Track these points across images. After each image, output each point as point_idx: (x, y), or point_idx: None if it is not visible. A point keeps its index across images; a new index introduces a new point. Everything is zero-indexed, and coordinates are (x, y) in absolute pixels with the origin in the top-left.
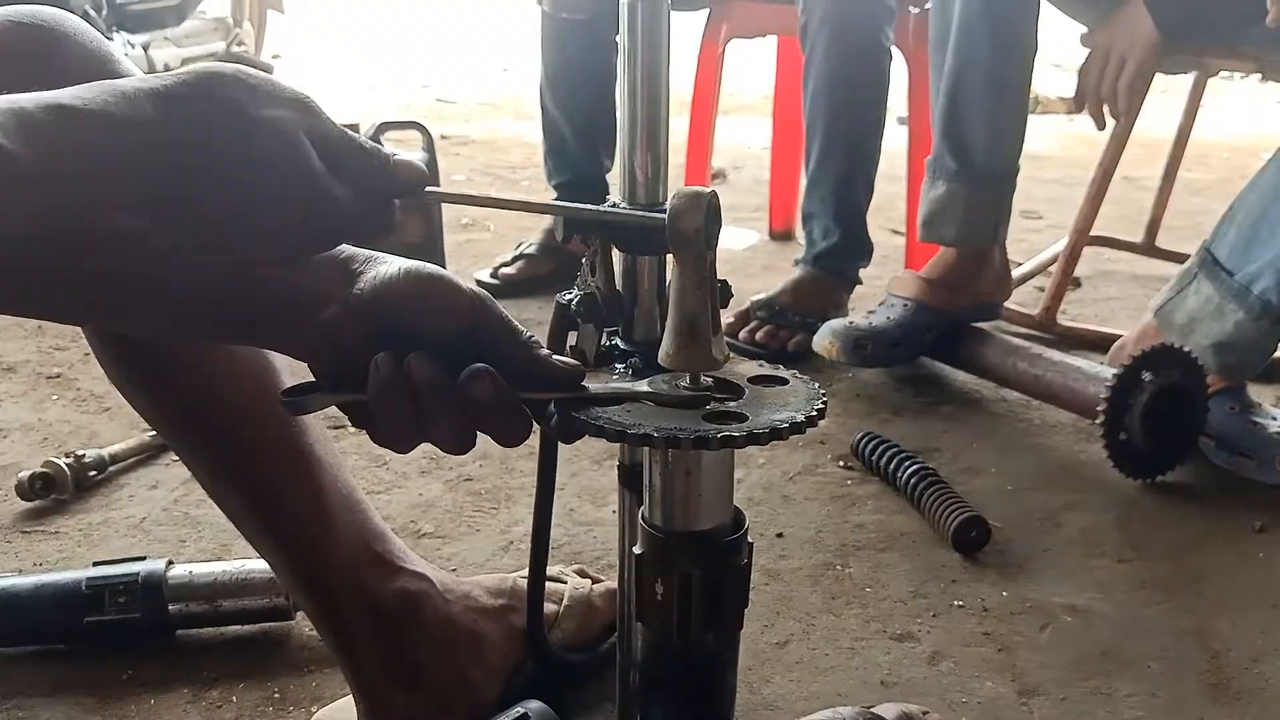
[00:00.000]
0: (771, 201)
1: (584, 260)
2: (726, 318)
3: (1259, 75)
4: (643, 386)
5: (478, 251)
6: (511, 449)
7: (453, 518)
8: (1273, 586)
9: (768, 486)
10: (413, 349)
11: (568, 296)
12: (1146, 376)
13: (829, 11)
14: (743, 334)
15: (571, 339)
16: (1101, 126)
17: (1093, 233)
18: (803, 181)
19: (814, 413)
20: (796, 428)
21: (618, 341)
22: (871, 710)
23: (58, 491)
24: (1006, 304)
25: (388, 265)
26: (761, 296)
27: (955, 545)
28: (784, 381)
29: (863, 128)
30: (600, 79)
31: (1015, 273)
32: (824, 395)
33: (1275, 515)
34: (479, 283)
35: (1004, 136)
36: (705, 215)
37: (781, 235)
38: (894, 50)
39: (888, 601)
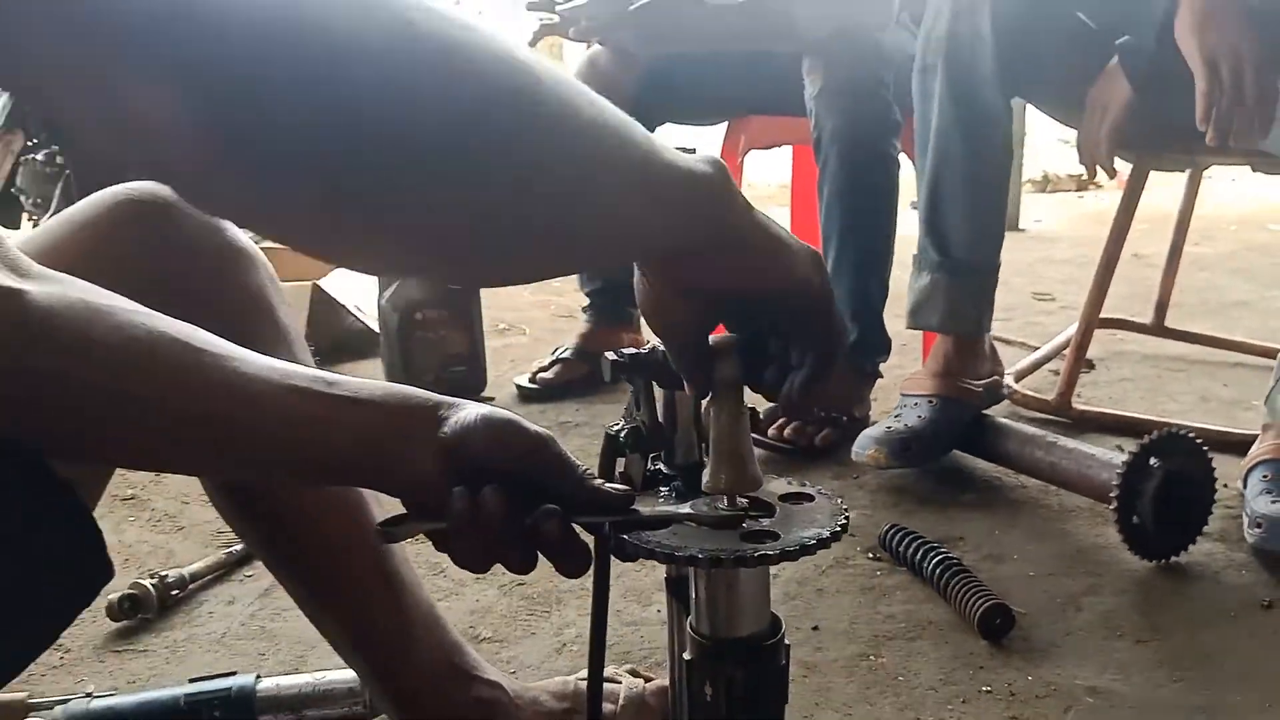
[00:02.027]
0: None
1: (630, 395)
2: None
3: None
4: (685, 509)
5: (515, 355)
6: None
7: (508, 622)
8: (1278, 660)
9: (802, 581)
10: (487, 483)
11: (615, 428)
12: (1154, 463)
13: (840, 127)
14: (771, 431)
15: (620, 466)
16: (1093, 175)
17: (1104, 314)
18: None
19: (839, 528)
20: (824, 543)
21: (661, 467)
22: None
23: (144, 611)
24: (1024, 390)
25: (467, 411)
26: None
27: (981, 632)
28: (811, 498)
29: (875, 233)
30: None
31: (1030, 358)
32: (847, 510)
33: None
34: (518, 387)
35: (982, 231)
36: (739, 365)
37: None
38: (902, 156)
39: (919, 690)
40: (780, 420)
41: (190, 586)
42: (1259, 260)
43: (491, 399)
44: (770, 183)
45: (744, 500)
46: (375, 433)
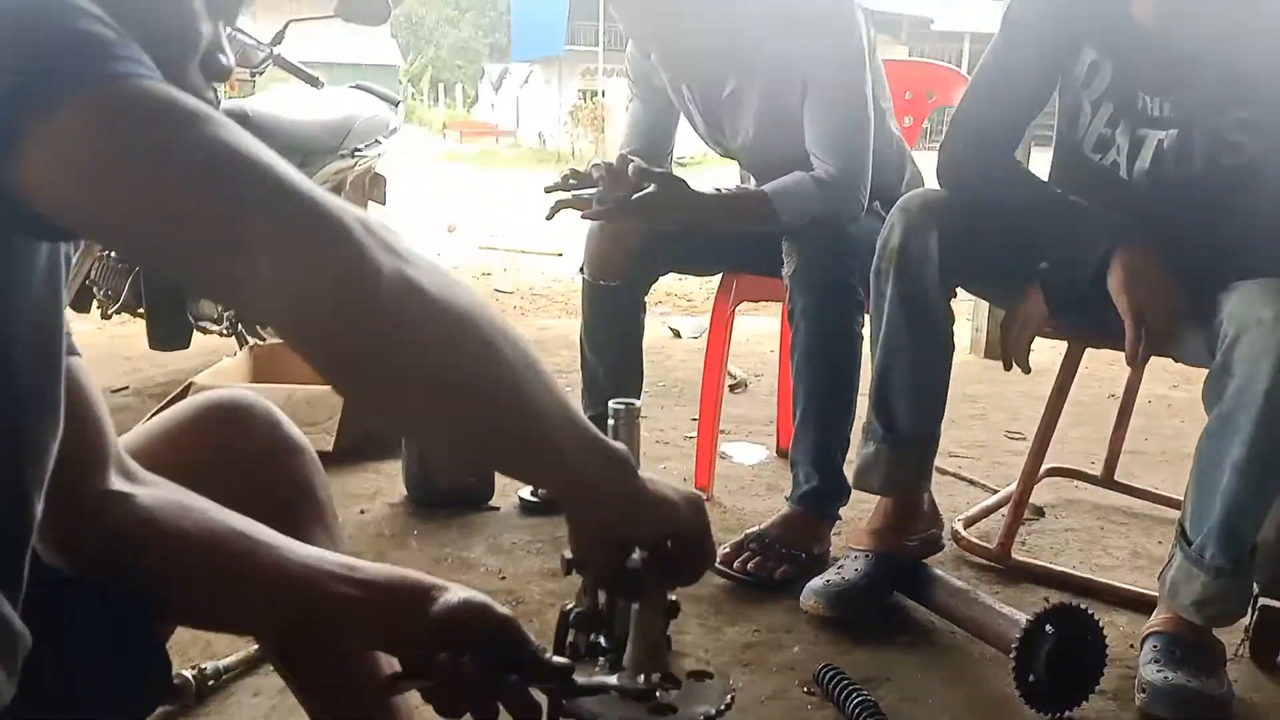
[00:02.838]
0: (780, 419)
1: (580, 585)
2: (723, 548)
3: None
4: (613, 680)
5: None
6: None
7: None
8: None
9: (742, 709)
10: (465, 650)
11: (568, 607)
12: (1050, 629)
13: (809, 305)
14: (736, 563)
15: (570, 636)
16: (1008, 368)
17: (1066, 457)
18: None
19: (724, 707)
20: None
21: (601, 640)
22: None
23: (185, 699)
24: (971, 535)
25: (452, 594)
26: (754, 530)
27: None
28: (711, 676)
29: (837, 398)
30: (630, 334)
31: (981, 504)
32: (735, 690)
33: None
34: (521, 500)
35: (923, 413)
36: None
37: (786, 454)
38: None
39: None
40: (745, 554)
41: (223, 677)
42: None
43: (497, 509)
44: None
45: (657, 675)
46: (383, 609)
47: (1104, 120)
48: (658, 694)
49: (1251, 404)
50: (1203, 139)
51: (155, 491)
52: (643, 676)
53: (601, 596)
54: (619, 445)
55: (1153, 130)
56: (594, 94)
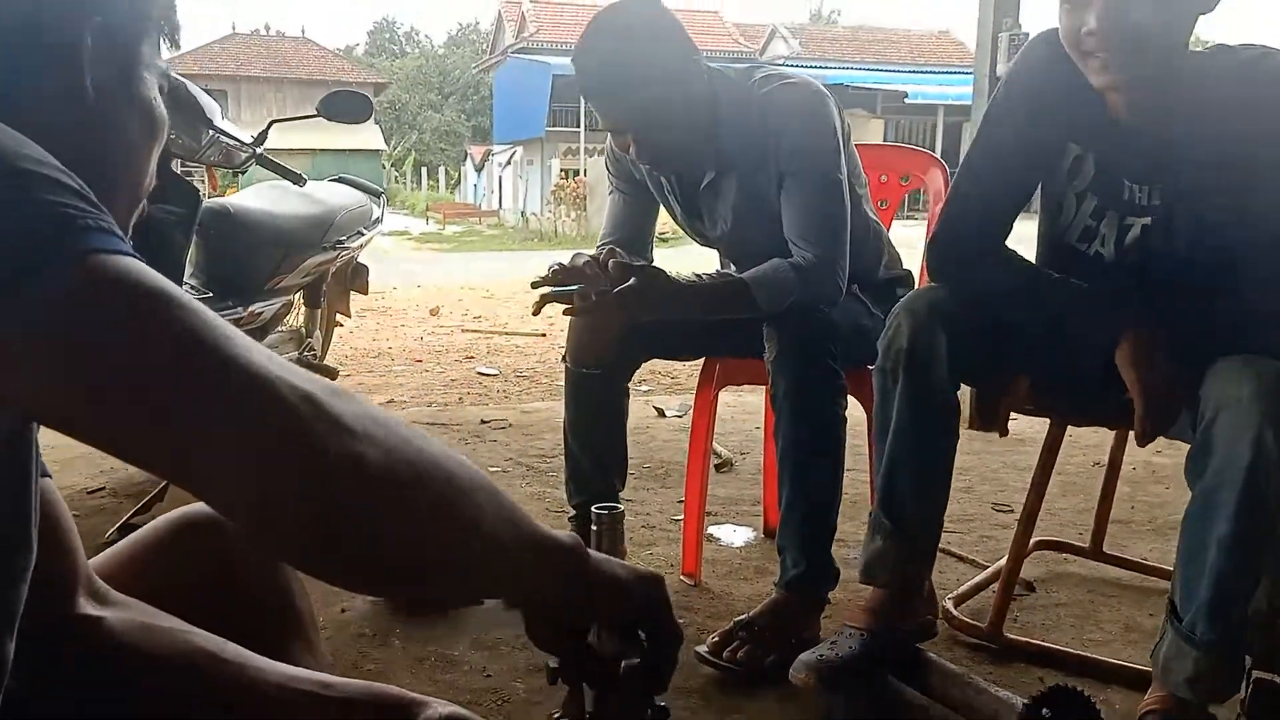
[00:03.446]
0: (767, 499)
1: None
2: (712, 636)
3: None
4: None
5: None
6: None
7: None
8: None
9: None
10: None
11: (555, 716)
12: (1046, 714)
13: (790, 390)
14: (725, 653)
15: None
16: (982, 428)
17: (1054, 528)
18: None
19: None
20: None
21: None
22: None
23: None
24: (962, 614)
25: (433, 710)
26: (743, 618)
27: None
28: None
29: (822, 485)
30: (613, 421)
31: (972, 581)
32: None
33: None
34: None
35: (930, 506)
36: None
37: (774, 533)
38: (855, 401)
39: None
40: (734, 643)
41: None
42: None
43: (481, 603)
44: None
45: None
46: None
47: (1089, 212)
48: None
49: (1233, 481)
50: (1186, 223)
51: (124, 614)
52: None
53: (589, 703)
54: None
55: (1138, 218)
56: (576, 173)
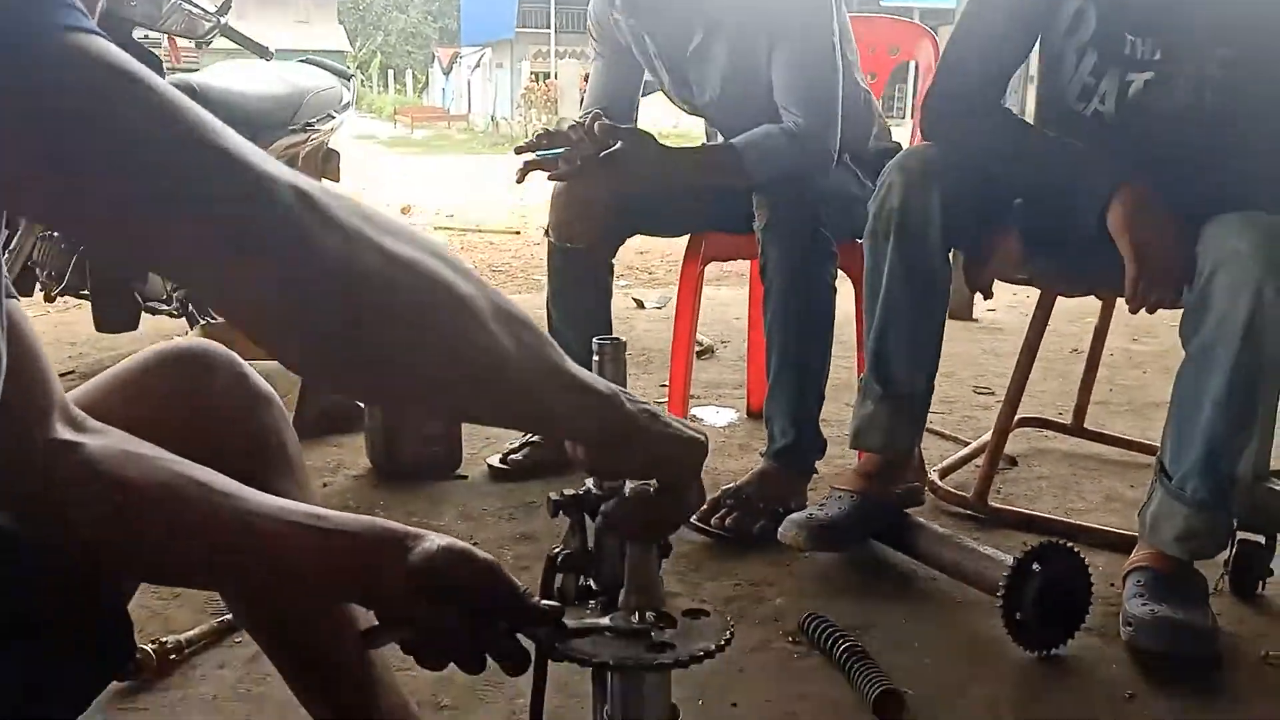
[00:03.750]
0: (750, 382)
1: (568, 527)
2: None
3: None
4: (606, 621)
5: (489, 434)
6: None
7: (466, 693)
8: None
9: (727, 660)
10: (447, 600)
11: (555, 551)
12: (1036, 568)
13: (781, 260)
14: (714, 520)
15: (557, 581)
16: (972, 293)
17: (1034, 409)
18: None
19: (724, 643)
20: (710, 654)
21: (591, 583)
22: None
23: (145, 673)
24: (947, 485)
25: (430, 542)
26: (731, 486)
27: (875, 713)
28: (707, 614)
29: (812, 353)
30: (598, 297)
31: (955, 455)
32: (732, 626)
33: (1146, 684)
34: (490, 467)
35: (920, 369)
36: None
37: (758, 415)
38: (843, 274)
39: None
40: (722, 510)
41: (186, 651)
42: None
43: (465, 476)
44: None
45: (651, 614)
46: (356, 560)
47: (1089, 69)
48: (653, 633)
49: (1230, 336)
50: (1187, 76)
51: (105, 440)
52: (637, 615)
53: (590, 538)
54: (604, 383)
55: (1139, 73)
56: (546, 76)
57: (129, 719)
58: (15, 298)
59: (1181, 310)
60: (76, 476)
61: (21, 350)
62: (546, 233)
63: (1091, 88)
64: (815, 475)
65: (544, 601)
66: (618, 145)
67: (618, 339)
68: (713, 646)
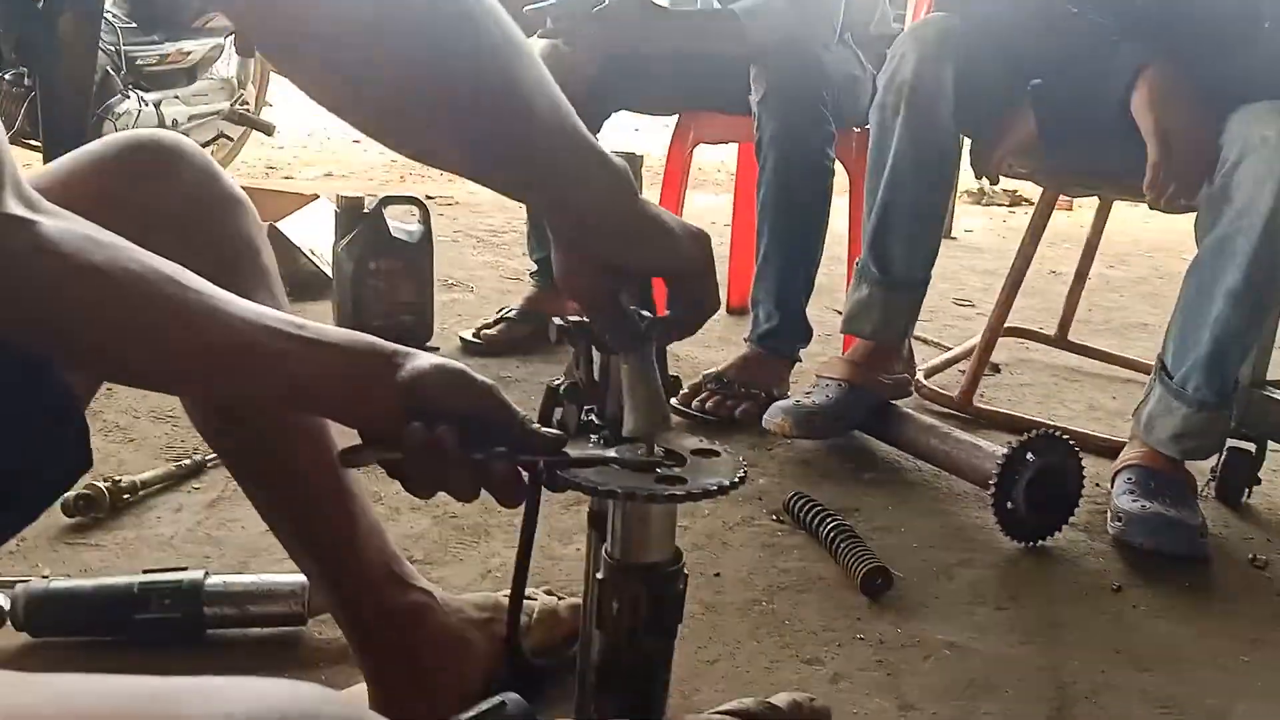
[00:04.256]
0: (730, 279)
1: (571, 356)
2: (684, 389)
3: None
4: (611, 453)
5: (461, 310)
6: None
7: (439, 548)
8: (1118, 634)
9: (710, 534)
10: (439, 422)
11: (556, 382)
12: (1030, 457)
13: (779, 133)
14: (695, 403)
15: (558, 415)
16: (978, 178)
17: (1016, 323)
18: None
19: (738, 479)
20: (723, 490)
21: (594, 418)
22: (769, 700)
23: (97, 510)
24: (932, 385)
25: (422, 359)
26: (713, 370)
27: (862, 590)
28: (717, 454)
29: (804, 233)
30: None
31: (941, 357)
32: (745, 466)
33: (1131, 578)
34: (463, 340)
35: (920, 254)
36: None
37: (737, 311)
38: (838, 163)
39: (802, 633)
40: (704, 394)
41: (140, 493)
42: (1166, 287)
43: (436, 349)
44: (719, 168)
45: (660, 450)
46: (337, 370)
47: None
48: (660, 468)
49: (1251, 228)
50: None
51: (63, 223)
52: (644, 449)
53: (596, 368)
54: (618, 159)
55: None
56: None
57: (80, 555)
58: None
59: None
60: (32, 258)
61: None
62: None
63: None
64: (800, 365)
65: (545, 429)
66: (606, 2)
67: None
68: (726, 482)
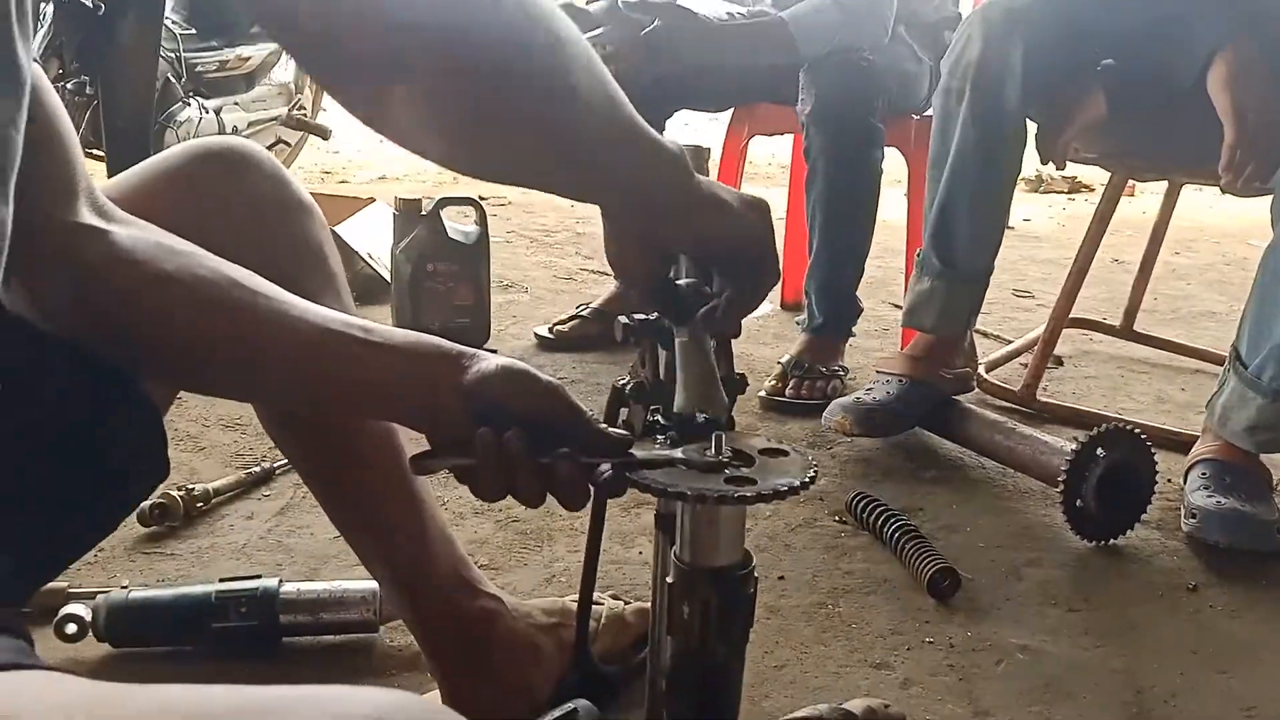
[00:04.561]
0: (784, 275)
1: (637, 355)
2: (770, 380)
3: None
4: (677, 454)
5: (517, 311)
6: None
7: (504, 553)
8: (1195, 635)
9: (773, 536)
10: (507, 425)
11: (622, 382)
12: (1100, 453)
13: (826, 144)
14: (788, 391)
15: (623, 415)
16: (1045, 162)
17: (1078, 314)
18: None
19: (808, 479)
20: (794, 490)
21: (659, 418)
22: (843, 706)
23: (171, 519)
24: (993, 379)
25: (488, 361)
26: (788, 358)
27: (930, 591)
28: (785, 454)
29: (854, 231)
30: None
31: (1002, 351)
32: (816, 465)
33: (1207, 576)
34: (538, 336)
35: (983, 245)
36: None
37: (792, 306)
38: (897, 151)
39: (870, 636)
40: (792, 382)
41: (213, 500)
42: (1235, 274)
43: (494, 350)
44: (769, 161)
45: (729, 450)
46: (405, 374)
47: None
48: (728, 468)
49: None
50: None
51: (136, 231)
52: (713, 448)
53: (662, 368)
54: (671, 142)
55: None
56: None
57: (156, 565)
58: (39, 62)
59: (1271, 196)
60: (108, 267)
61: (45, 122)
62: None
63: None
64: (860, 360)
65: (611, 429)
66: (654, 24)
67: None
68: (797, 483)
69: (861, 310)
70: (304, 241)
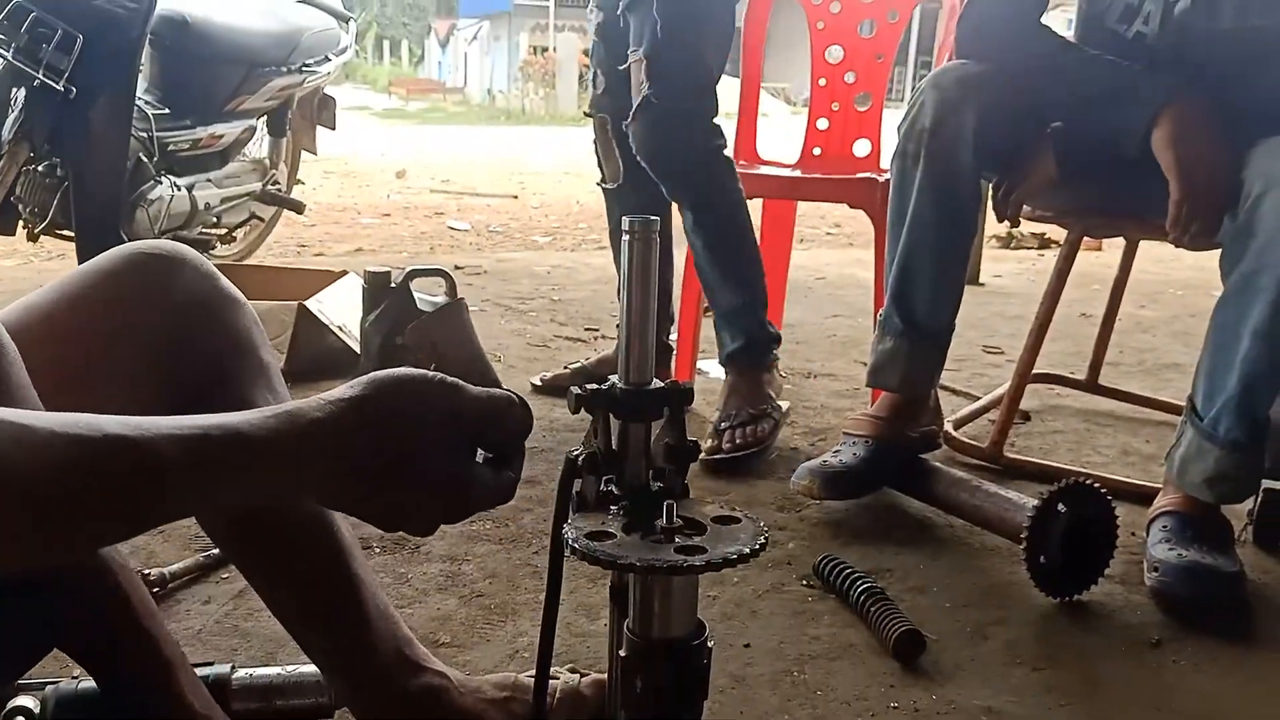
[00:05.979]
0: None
1: (590, 425)
2: (706, 441)
3: None
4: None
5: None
6: (517, 572)
7: (466, 629)
8: (1159, 691)
9: (739, 602)
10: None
11: (574, 452)
12: (1061, 508)
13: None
14: (725, 445)
15: (577, 486)
16: (1000, 220)
17: (1046, 369)
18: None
19: (758, 546)
20: (743, 558)
21: (613, 488)
22: None
23: None
24: (961, 436)
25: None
26: (715, 416)
27: (895, 655)
28: (738, 520)
29: (737, 255)
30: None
31: (970, 407)
32: (767, 532)
33: (1171, 630)
34: (533, 385)
35: (944, 303)
36: None
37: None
38: (863, 213)
39: (834, 703)
40: (724, 434)
41: (170, 585)
42: (1198, 325)
43: None
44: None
45: (680, 520)
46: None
47: None
48: (678, 538)
49: (1276, 263)
50: None
51: None
52: (663, 519)
53: (614, 438)
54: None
55: None
56: (545, 50)
57: None
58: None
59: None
60: None
61: None
62: (599, 183)
63: (1135, 8)
64: (827, 421)
65: (502, 390)
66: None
67: (650, 220)
68: (746, 550)
69: (779, 338)
70: (234, 334)
